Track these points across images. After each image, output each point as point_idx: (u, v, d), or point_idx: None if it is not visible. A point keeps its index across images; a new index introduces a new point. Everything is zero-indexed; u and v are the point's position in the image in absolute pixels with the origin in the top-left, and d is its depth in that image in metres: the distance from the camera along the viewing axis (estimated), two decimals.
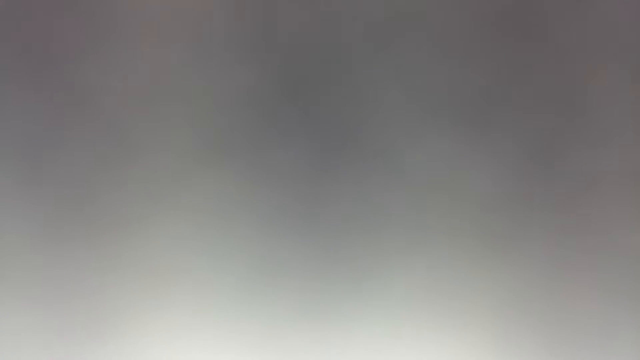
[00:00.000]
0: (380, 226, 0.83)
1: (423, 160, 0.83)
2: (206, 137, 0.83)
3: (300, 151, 0.83)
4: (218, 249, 0.83)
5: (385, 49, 0.84)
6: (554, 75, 0.84)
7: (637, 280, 0.83)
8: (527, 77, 0.84)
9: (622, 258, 0.83)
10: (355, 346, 0.83)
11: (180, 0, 0.84)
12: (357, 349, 0.83)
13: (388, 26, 0.84)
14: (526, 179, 0.84)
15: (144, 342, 0.82)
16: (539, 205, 0.84)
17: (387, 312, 0.83)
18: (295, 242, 0.83)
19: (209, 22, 0.84)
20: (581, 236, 0.84)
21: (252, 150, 0.83)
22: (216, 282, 0.83)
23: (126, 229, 0.83)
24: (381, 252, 0.83)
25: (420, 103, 0.84)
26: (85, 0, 0.84)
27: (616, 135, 0.84)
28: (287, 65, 0.83)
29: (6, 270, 0.82)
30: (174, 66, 0.83)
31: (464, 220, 0.83)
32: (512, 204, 0.84)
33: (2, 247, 0.82)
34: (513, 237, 0.84)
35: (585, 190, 0.84)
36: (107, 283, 0.83)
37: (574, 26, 0.85)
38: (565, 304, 0.84)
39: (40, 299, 0.82)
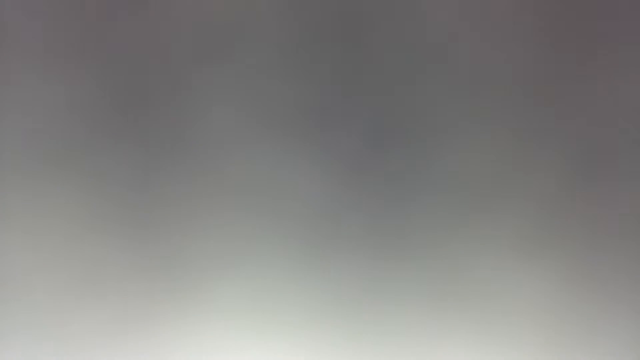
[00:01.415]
0: (206, 229, 0.84)
1: (249, 164, 0.85)
2: (40, 148, 0.84)
3: (130, 157, 0.84)
4: (51, 253, 0.83)
5: (215, 59, 0.85)
6: (376, 82, 0.86)
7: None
8: (350, 86, 0.86)
9: (446, 257, 0.84)
10: (175, 352, 0.84)
11: (27, 8, 0.85)
12: (176, 356, 0.84)
13: (219, 35, 0.85)
14: (350, 184, 0.85)
15: None
16: (363, 208, 0.85)
17: (212, 316, 0.83)
18: (123, 247, 0.84)
19: (47, 32, 0.85)
20: (405, 238, 0.85)
21: (84, 158, 0.84)
22: (47, 288, 0.83)
23: None
24: (206, 255, 0.84)
25: (249, 109, 0.85)
26: None
27: (438, 133, 0.85)
28: (119, 75, 0.85)
29: None
30: (11, 78, 0.84)
31: (289, 223, 0.84)
32: (335, 207, 0.85)
33: None
34: (339, 238, 0.85)
35: (408, 192, 0.85)
36: None
37: (392, 33, 0.86)
38: (391, 307, 0.84)
39: None
